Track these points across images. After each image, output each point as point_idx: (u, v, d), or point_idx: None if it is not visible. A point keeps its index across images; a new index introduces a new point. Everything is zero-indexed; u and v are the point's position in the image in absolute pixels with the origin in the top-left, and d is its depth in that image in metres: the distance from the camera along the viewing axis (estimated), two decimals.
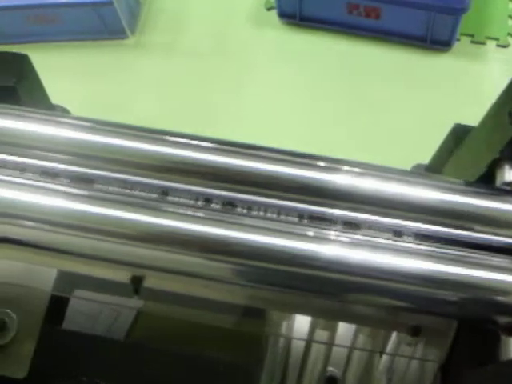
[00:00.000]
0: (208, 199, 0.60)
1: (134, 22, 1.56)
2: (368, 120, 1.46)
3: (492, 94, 1.47)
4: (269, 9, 1.57)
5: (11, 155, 0.62)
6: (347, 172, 0.58)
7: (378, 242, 0.56)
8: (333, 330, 0.60)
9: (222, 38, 1.55)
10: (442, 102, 1.48)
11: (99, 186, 0.59)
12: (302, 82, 1.51)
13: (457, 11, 1.42)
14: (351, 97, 1.49)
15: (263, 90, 1.50)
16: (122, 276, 0.52)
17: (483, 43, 1.50)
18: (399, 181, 0.58)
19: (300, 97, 1.50)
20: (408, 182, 0.57)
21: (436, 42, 1.51)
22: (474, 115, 1.44)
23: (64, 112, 0.78)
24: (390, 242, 0.57)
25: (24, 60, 0.70)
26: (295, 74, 1.52)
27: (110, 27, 1.52)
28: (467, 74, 1.49)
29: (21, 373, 0.69)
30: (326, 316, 0.57)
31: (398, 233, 0.60)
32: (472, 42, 1.51)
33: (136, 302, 0.72)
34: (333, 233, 0.57)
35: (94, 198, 0.57)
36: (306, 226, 0.57)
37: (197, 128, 0.72)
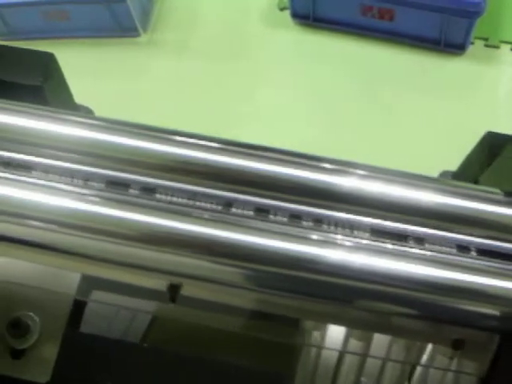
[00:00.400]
0: (220, 203, 0.58)
1: (146, 19, 1.54)
2: (380, 122, 1.45)
3: (506, 97, 1.46)
4: (282, 9, 1.56)
5: (18, 153, 0.59)
6: (354, 175, 0.56)
7: (415, 253, 0.54)
8: (367, 341, 0.59)
9: (234, 37, 1.54)
10: (455, 105, 1.47)
11: (131, 191, 0.57)
12: (313, 82, 1.50)
13: (471, 14, 1.41)
14: (363, 99, 1.48)
15: (275, 90, 1.49)
16: (159, 283, 0.50)
17: (497, 47, 1.49)
18: (435, 189, 0.56)
19: (312, 98, 1.49)
20: (446, 192, 0.56)
21: (450, 45, 1.50)
22: (487, 119, 1.45)
23: (88, 112, 0.76)
24: (426, 252, 0.56)
25: (50, 58, 0.68)
26: (307, 75, 1.51)
27: (123, 25, 1.50)
28: (481, 78, 1.48)
29: (43, 377, 0.67)
30: (365, 327, 0.56)
31: (425, 241, 0.58)
32: (486, 45, 1.50)
33: (159, 306, 0.70)
34: (364, 241, 0.56)
35: (119, 202, 0.55)
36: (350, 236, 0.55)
37: (208, 127, 0.70)
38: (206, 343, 0.67)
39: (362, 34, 1.53)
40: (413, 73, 1.50)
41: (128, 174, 0.58)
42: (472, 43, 1.50)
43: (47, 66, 0.68)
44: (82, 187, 0.56)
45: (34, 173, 0.60)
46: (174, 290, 0.49)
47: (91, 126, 0.58)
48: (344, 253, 0.53)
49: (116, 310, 0.85)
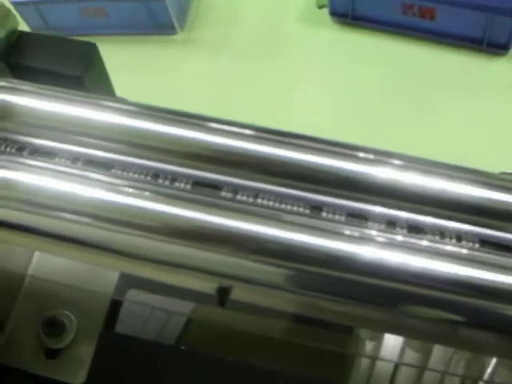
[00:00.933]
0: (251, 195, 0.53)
1: (183, 17, 1.51)
2: (420, 123, 1.40)
3: None
4: (320, 7, 1.52)
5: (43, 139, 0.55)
6: (391, 165, 0.52)
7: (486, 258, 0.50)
8: (426, 353, 0.54)
9: (272, 35, 1.51)
10: (497, 106, 1.42)
11: (162, 182, 0.53)
12: (351, 82, 1.46)
13: None
14: (402, 99, 1.43)
15: (312, 89, 1.46)
16: (207, 286, 0.47)
17: None
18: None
19: (349, 97, 1.45)
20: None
21: (493, 44, 1.45)
22: None
23: None
24: (487, 255, 0.51)
25: (92, 49, 0.66)
26: (345, 74, 1.47)
27: (160, 22, 1.48)
28: None
29: (79, 378, 0.64)
30: (428, 339, 0.51)
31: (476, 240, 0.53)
32: None
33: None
34: (400, 237, 0.51)
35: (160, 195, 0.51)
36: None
37: None
38: (247, 347, 0.64)
39: (402, 34, 1.49)
40: (454, 73, 1.46)
41: (173, 166, 0.54)
42: None
43: (89, 56, 0.65)
44: (125, 179, 0.52)
45: (61, 161, 0.55)
46: (223, 293, 0.45)
47: (133, 113, 0.54)
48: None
49: (151, 309, 0.82)
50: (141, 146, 0.53)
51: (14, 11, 0.66)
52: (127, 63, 1.48)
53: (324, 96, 1.45)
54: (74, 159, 0.54)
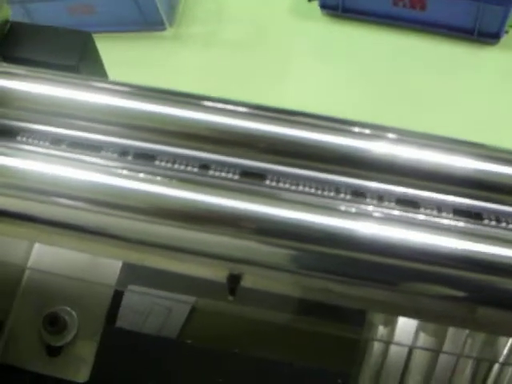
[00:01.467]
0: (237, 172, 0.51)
1: (172, 13, 1.49)
2: (412, 113, 1.39)
3: None
4: (310, 0, 1.50)
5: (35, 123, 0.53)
6: (386, 139, 0.50)
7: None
8: (441, 337, 0.53)
9: (262, 29, 1.49)
10: (488, 95, 1.41)
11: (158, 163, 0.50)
12: (343, 74, 1.44)
13: (507, 2, 1.34)
14: (394, 90, 1.42)
15: (304, 83, 1.44)
16: (217, 273, 0.45)
17: None
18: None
19: (342, 90, 1.43)
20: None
21: (484, 34, 1.43)
22: None
23: None
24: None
25: (87, 38, 0.64)
26: (337, 67, 1.46)
27: (148, 18, 1.46)
28: None
29: (82, 376, 0.62)
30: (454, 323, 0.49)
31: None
32: None
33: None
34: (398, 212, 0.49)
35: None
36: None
37: None
38: (253, 339, 0.62)
39: (393, 25, 1.48)
40: (446, 63, 1.45)
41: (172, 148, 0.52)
42: (506, 32, 1.44)
43: (83, 45, 0.63)
44: (123, 162, 0.50)
45: (48, 144, 0.53)
46: (233, 280, 0.43)
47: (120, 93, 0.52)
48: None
49: (151, 303, 0.80)
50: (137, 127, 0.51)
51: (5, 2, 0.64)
52: (117, 60, 1.44)
53: (315, 89, 1.43)
54: (72, 143, 0.52)
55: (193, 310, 0.78)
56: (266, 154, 0.51)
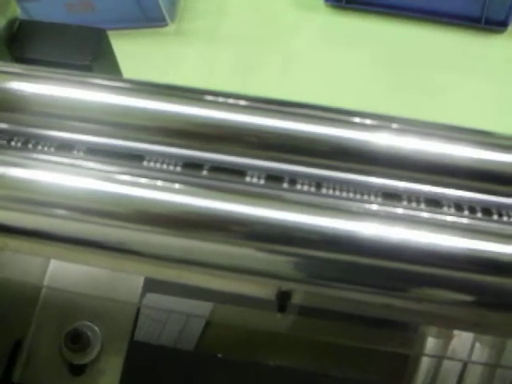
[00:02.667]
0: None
1: (173, 8, 1.44)
2: (418, 103, 1.35)
3: None
4: None
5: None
6: (386, 129, 0.45)
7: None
8: (499, 349, 0.48)
9: (264, 22, 1.44)
10: (496, 83, 1.37)
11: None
12: (348, 66, 1.40)
13: None
14: (400, 80, 1.38)
15: (308, 75, 1.39)
16: (266, 291, 0.40)
17: None
18: None
19: (346, 81, 1.39)
20: None
21: (491, 22, 1.39)
22: None
23: None
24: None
25: (102, 36, 0.59)
26: (341, 59, 1.41)
27: (150, 15, 1.41)
28: None
29: None
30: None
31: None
32: None
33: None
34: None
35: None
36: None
37: None
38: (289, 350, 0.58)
39: (398, 15, 1.43)
40: (452, 52, 1.40)
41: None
42: None
43: (97, 43, 0.58)
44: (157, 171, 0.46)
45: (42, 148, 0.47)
46: (283, 297, 0.39)
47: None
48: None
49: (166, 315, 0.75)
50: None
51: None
52: (119, 58, 1.40)
53: (319, 81, 1.39)
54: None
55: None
56: (246, 148, 0.46)
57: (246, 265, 0.40)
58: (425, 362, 0.52)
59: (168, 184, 0.42)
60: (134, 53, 1.41)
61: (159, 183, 0.43)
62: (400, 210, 0.44)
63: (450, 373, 0.50)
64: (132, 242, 0.40)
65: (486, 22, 1.39)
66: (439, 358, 0.50)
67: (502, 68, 1.39)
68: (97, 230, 0.40)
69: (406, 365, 0.52)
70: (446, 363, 0.50)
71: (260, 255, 0.39)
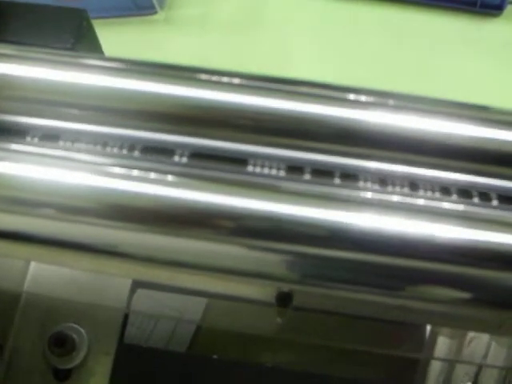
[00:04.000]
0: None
1: None
2: (416, 88, 1.31)
3: None
4: None
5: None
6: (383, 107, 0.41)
7: None
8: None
9: (257, 8, 1.39)
10: (492, 67, 1.33)
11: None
12: (345, 53, 1.36)
13: None
14: (397, 65, 1.34)
15: (304, 64, 1.35)
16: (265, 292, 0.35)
17: None
18: None
19: (343, 69, 1.34)
20: None
21: (486, 5, 1.35)
22: None
23: None
24: None
25: (82, 16, 0.54)
26: (338, 46, 1.37)
27: (138, 2, 1.36)
28: None
29: None
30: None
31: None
32: None
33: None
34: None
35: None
36: None
37: None
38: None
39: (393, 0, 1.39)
40: (448, 36, 1.37)
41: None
42: (510, 3, 1.36)
43: (79, 24, 0.53)
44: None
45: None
46: (284, 299, 0.35)
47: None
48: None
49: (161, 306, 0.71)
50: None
51: None
52: (108, 47, 1.35)
53: (317, 68, 1.35)
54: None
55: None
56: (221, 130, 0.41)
57: (237, 265, 0.35)
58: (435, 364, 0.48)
59: (144, 174, 0.38)
60: (122, 42, 1.36)
61: (135, 173, 0.38)
62: (422, 201, 0.39)
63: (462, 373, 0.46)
64: (104, 240, 0.35)
65: (481, 6, 1.35)
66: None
67: (498, 51, 1.35)
68: (67, 228, 0.35)
69: (410, 366, 0.48)
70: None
71: (252, 253, 0.35)
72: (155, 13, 1.39)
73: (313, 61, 1.33)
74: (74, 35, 0.53)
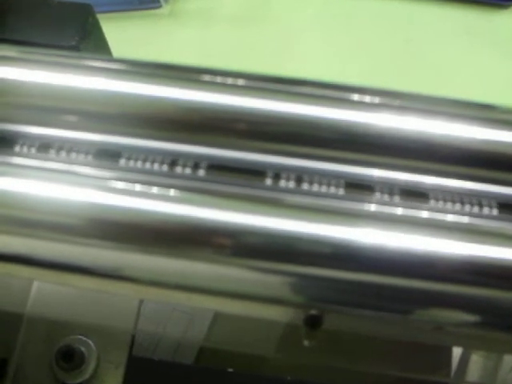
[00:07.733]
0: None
1: None
2: (424, 82, 1.27)
3: None
4: None
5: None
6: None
7: None
8: None
9: (263, 2, 1.36)
10: (502, 60, 1.30)
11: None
12: (350, 47, 1.32)
13: None
14: (405, 59, 1.30)
15: (310, 55, 1.31)
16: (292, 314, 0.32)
17: None
18: None
19: (349, 63, 1.31)
20: None
21: None
22: None
23: None
24: None
25: (89, 12, 0.50)
26: (343, 40, 1.33)
27: None
28: None
29: None
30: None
31: None
32: None
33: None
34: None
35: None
36: None
37: None
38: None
39: None
40: (456, 29, 1.33)
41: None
42: None
43: (84, 21, 0.49)
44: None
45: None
46: (314, 322, 0.31)
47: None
48: None
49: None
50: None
51: None
52: (112, 42, 1.31)
53: (322, 62, 1.31)
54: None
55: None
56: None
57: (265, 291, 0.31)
58: None
59: (164, 191, 0.34)
60: (126, 37, 1.33)
61: (145, 189, 0.34)
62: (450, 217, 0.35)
63: None
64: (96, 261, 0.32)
65: None
66: None
67: (507, 44, 1.32)
68: (56, 248, 0.31)
69: None
70: None
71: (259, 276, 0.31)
72: (160, 7, 1.35)
73: (319, 55, 1.30)
74: (79, 32, 0.49)
